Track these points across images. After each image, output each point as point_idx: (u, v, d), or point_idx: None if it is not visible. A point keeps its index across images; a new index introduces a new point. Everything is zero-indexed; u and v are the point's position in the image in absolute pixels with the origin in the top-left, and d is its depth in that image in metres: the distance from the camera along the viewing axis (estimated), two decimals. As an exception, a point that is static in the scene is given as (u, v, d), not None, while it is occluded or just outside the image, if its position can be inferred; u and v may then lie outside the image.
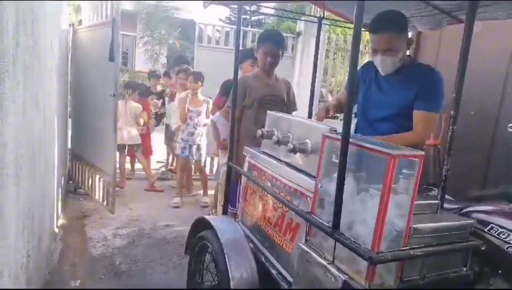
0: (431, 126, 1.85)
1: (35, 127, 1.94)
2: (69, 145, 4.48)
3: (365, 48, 5.97)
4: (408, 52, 1.94)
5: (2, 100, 1.23)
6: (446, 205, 1.51)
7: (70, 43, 4.29)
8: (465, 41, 1.32)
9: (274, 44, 2.60)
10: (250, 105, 2.64)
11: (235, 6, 2.11)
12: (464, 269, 1.35)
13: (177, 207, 4.26)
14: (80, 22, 4.32)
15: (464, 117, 2.68)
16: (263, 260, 1.78)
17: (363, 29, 2.48)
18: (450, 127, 1.37)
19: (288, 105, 2.82)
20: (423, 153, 1.13)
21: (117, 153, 4.39)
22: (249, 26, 9.50)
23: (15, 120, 1.44)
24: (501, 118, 2.60)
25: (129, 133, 4.69)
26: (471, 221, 1.36)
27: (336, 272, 1.25)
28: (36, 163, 2.01)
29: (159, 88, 5.56)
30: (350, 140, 1.17)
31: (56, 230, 3.28)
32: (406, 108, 1.84)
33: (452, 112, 1.36)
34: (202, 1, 2.09)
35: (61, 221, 3.54)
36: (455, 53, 1.41)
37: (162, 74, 6.02)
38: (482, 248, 1.31)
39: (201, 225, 2.11)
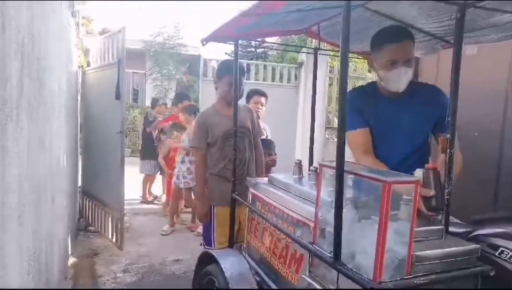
0: None
1: (40, 168, 1.99)
2: (80, 183, 4.55)
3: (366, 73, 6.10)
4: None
5: (4, 142, 1.28)
6: (452, 229, 1.47)
7: (80, 84, 4.45)
8: (455, 64, 1.34)
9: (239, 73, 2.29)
10: (214, 143, 2.51)
11: (233, 42, 2.18)
12: (474, 295, 1.30)
13: (166, 234, 4.46)
14: (88, 64, 4.50)
15: (468, 138, 2.68)
16: (269, 293, 1.75)
17: (356, 57, 2.52)
18: (448, 151, 1.36)
19: (253, 133, 2.65)
20: (418, 178, 1.13)
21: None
22: (254, 59, 9.73)
23: (18, 162, 1.48)
24: (505, 138, 2.58)
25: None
26: (478, 245, 1.32)
27: (340, 304, 1.22)
28: (42, 204, 2.04)
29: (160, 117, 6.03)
30: (345, 168, 1.17)
31: (66, 269, 3.27)
32: (427, 133, 1.83)
33: (448, 135, 1.36)
34: (201, 39, 2.17)
35: (71, 260, 3.54)
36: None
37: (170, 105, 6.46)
38: (492, 274, 1.27)
39: (207, 259, 2.09)
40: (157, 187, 6.09)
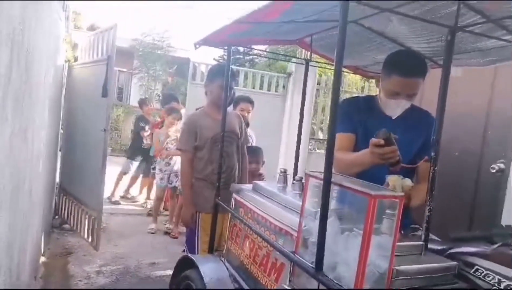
0: None
1: (21, 160, 1.93)
2: (58, 179, 4.43)
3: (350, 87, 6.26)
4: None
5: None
6: (431, 246, 1.50)
7: (65, 79, 4.36)
8: (443, 85, 1.38)
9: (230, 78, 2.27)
10: (203, 146, 2.49)
11: (226, 47, 2.19)
12: (450, 312, 1.33)
13: (153, 232, 4.48)
14: (76, 59, 4.41)
15: (448, 157, 2.75)
16: (248, 301, 1.74)
17: (346, 71, 2.57)
18: (431, 168, 1.40)
19: (240, 139, 2.65)
20: (402, 194, 1.15)
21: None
22: (242, 66, 9.75)
23: (0, 154, 1.43)
24: (484, 159, 2.66)
25: None
26: (455, 263, 1.35)
27: (319, 315, 1.23)
28: (20, 198, 1.98)
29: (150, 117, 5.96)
30: (332, 179, 1.19)
31: (38, 267, 3.17)
32: (412, 155, 1.77)
33: (432, 153, 1.40)
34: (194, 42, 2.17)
35: (43, 258, 3.43)
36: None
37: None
38: (467, 291, 1.30)
39: (185, 263, 2.06)
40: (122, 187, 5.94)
